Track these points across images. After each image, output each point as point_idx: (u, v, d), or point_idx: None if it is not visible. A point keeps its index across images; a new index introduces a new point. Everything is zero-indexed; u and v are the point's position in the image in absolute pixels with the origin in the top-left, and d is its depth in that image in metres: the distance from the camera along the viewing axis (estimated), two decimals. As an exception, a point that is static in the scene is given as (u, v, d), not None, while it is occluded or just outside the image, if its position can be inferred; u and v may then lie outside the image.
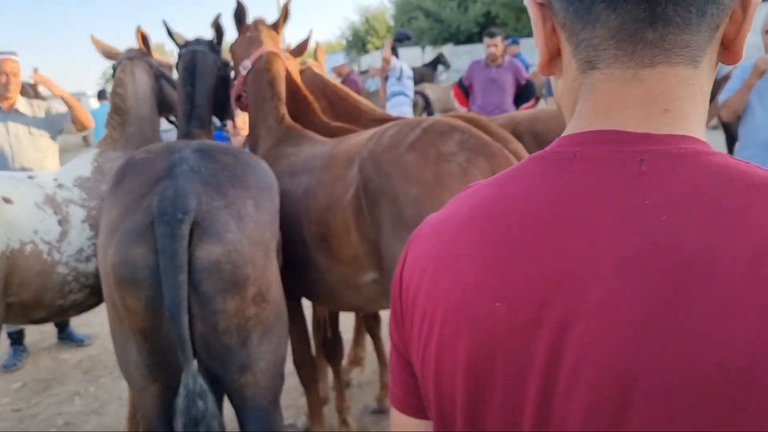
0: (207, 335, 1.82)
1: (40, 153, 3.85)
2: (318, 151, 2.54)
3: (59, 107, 4.08)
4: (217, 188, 1.88)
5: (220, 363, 1.86)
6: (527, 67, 9.06)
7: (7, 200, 2.33)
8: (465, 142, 2.05)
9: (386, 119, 3.65)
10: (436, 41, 30.21)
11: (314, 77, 3.74)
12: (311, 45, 3.88)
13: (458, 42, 29.04)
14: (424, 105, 11.38)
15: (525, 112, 3.38)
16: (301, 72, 3.76)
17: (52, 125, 3.96)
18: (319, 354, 3.39)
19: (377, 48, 35.82)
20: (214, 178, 1.91)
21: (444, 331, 0.61)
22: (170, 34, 3.09)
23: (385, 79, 8.93)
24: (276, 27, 3.14)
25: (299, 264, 2.43)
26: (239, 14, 3.06)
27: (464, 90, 6.81)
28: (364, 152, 2.19)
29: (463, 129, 2.10)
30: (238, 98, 3.12)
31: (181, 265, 1.72)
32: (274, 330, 1.93)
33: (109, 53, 3.21)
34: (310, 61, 3.97)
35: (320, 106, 3.71)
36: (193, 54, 3.03)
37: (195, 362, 1.81)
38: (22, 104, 3.94)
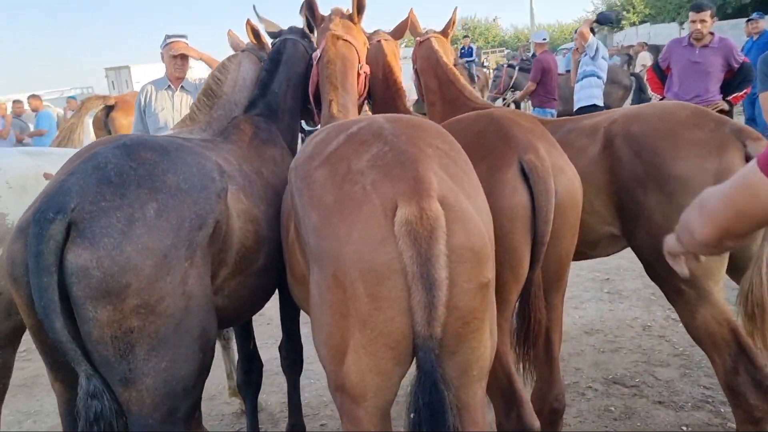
0: (84, 342, 1.73)
1: None
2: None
3: None
4: (116, 188, 1.74)
5: (104, 372, 1.75)
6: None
7: (48, 176, 2.42)
8: (380, 157, 1.64)
9: (486, 107, 3.28)
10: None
11: (429, 52, 3.53)
12: (458, 17, 3.73)
13: (725, 16, 25.11)
14: (638, 88, 10.01)
15: (626, 109, 2.72)
16: (420, 43, 3.57)
17: None
18: None
19: (632, 24, 33.11)
20: (119, 176, 1.77)
21: None
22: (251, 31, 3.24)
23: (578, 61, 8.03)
24: (355, 15, 3.01)
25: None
26: (310, 5, 3.00)
27: (660, 74, 5.92)
28: (294, 162, 1.87)
29: (389, 136, 1.68)
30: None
31: (46, 267, 1.63)
32: (167, 345, 1.74)
33: (236, 46, 3.40)
34: (433, 35, 3.64)
35: (430, 85, 3.51)
36: (281, 43, 3.17)
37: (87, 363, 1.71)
38: (187, 83, 4.32)
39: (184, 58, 4.32)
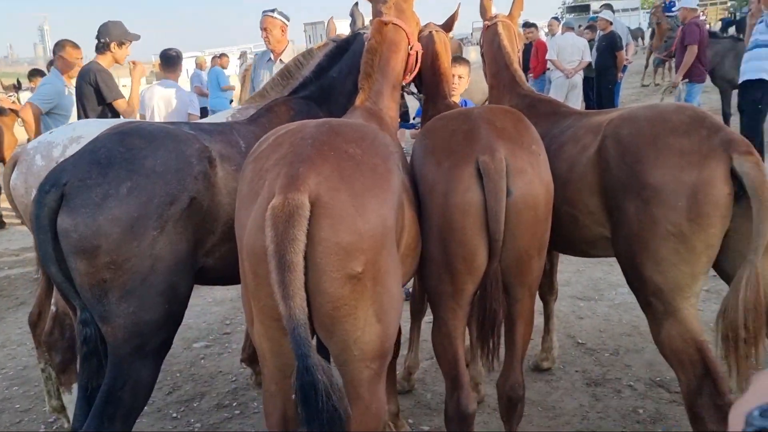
0: (76, 286, 2.24)
1: None
2: None
3: None
4: (101, 168, 2.19)
5: (90, 308, 2.24)
6: None
7: None
8: (283, 157, 1.92)
9: (529, 96, 3.36)
10: None
11: (493, 36, 3.65)
12: None
13: None
14: None
15: (626, 109, 2.66)
16: (487, 28, 3.71)
17: None
18: None
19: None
20: (107, 159, 2.22)
21: None
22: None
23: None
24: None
25: None
26: None
27: None
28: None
29: (300, 139, 1.98)
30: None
31: (42, 227, 2.16)
32: (135, 295, 2.20)
33: (331, 34, 3.84)
34: (500, 15, 3.74)
35: (491, 69, 3.65)
36: (355, 35, 3.52)
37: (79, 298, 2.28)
38: (287, 56, 4.84)
39: (268, 31, 4.79)
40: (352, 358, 1.92)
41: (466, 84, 4.46)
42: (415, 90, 3.59)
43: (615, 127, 2.47)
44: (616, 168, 2.41)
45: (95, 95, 5.14)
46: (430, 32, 3.44)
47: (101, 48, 5.24)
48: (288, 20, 5.15)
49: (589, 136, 2.64)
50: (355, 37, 3.51)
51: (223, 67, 12.17)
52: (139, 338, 2.25)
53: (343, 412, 1.75)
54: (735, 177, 2.23)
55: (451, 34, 3.85)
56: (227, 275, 2.62)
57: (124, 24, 5.39)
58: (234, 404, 3.73)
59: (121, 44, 5.26)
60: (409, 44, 3.10)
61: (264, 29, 4.98)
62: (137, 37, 5.48)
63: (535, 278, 2.50)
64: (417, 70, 3.30)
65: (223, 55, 12.75)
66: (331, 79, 3.43)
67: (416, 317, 3.65)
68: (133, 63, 5.62)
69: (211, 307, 5.31)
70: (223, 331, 4.83)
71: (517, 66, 3.49)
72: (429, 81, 3.42)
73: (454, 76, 4.13)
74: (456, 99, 4.02)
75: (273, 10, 4.98)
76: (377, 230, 1.88)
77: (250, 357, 3.73)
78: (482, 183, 2.27)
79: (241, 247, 1.93)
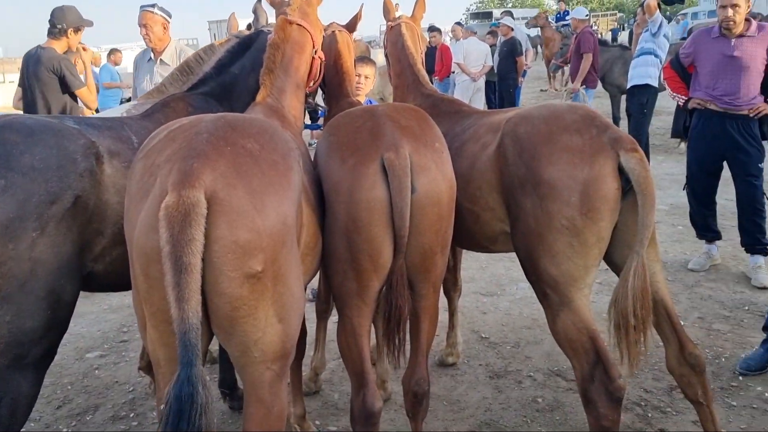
0: None
1: None
2: None
3: None
4: None
5: None
6: None
7: None
8: (175, 152, 1.83)
9: (432, 96, 3.39)
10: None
11: (396, 37, 3.67)
12: None
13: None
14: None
15: (523, 108, 2.69)
16: (391, 29, 3.73)
17: None
18: None
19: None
20: None
21: None
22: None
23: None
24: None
25: None
26: None
27: (680, 71, 5.04)
28: None
29: (194, 134, 1.91)
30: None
31: None
32: (12, 301, 2.02)
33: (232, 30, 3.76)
34: (404, 17, 3.77)
35: (395, 69, 3.66)
36: (258, 32, 3.43)
37: None
38: (168, 55, 4.65)
39: (148, 28, 4.61)
40: (252, 360, 1.86)
41: (372, 84, 4.47)
42: (322, 102, 3.56)
43: (513, 125, 2.55)
44: (513, 165, 2.48)
45: (59, 84, 4.92)
46: (333, 32, 3.42)
47: (57, 33, 5.01)
48: (170, 17, 4.92)
49: (489, 134, 2.71)
50: (258, 34, 3.43)
51: (117, 64, 11.51)
52: (18, 348, 2.08)
53: None
54: (622, 173, 2.36)
55: (358, 36, 3.89)
56: (121, 282, 2.47)
57: (77, 9, 5.17)
58: (131, 415, 3.54)
59: (77, 30, 5.06)
60: (313, 48, 3.08)
61: (143, 26, 4.70)
62: (91, 24, 5.29)
63: (440, 274, 2.53)
64: (321, 78, 3.30)
65: (114, 50, 11.99)
66: (232, 75, 3.33)
67: (322, 317, 3.61)
68: (84, 48, 5.38)
69: (106, 314, 5.01)
70: (119, 339, 4.57)
71: (420, 66, 3.54)
72: (332, 80, 3.40)
73: (359, 76, 4.14)
74: (361, 99, 4.03)
75: (153, 6, 4.72)
76: (276, 228, 1.83)
77: (149, 365, 3.53)
78: (387, 180, 2.27)
79: (131, 247, 1.81)
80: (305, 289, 2.86)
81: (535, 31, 18.37)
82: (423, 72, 3.52)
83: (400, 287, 2.38)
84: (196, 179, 1.71)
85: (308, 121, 4.67)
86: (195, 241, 1.65)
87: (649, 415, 3.25)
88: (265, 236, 1.79)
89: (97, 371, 4.09)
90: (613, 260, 2.55)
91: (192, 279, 1.63)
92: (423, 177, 2.32)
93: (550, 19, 17.25)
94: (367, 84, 4.28)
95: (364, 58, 4.43)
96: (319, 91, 3.55)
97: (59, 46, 5.07)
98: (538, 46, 19.23)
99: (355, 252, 2.32)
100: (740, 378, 3.52)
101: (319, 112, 3.94)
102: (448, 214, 2.44)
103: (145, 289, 1.77)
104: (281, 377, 1.94)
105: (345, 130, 2.49)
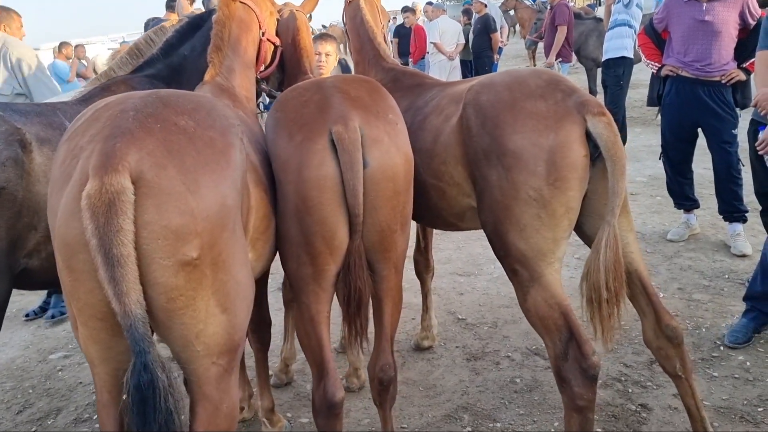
0: None
1: None
2: None
3: None
4: None
5: None
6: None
7: None
8: (98, 132, 1.68)
9: (394, 69, 3.28)
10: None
11: (355, 11, 3.52)
12: None
13: None
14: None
15: (485, 76, 2.55)
16: (350, 3, 3.60)
17: None
18: None
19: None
20: None
21: None
22: None
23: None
24: None
25: None
26: None
27: (656, 38, 4.93)
28: None
29: (118, 111, 1.73)
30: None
31: None
32: None
33: (183, 11, 3.54)
34: None
35: (355, 45, 3.55)
36: (209, 12, 3.28)
37: None
38: None
39: None
40: (195, 354, 1.71)
41: (335, 62, 4.30)
42: (275, 91, 3.41)
43: (475, 94, 2.41)
44: (477, 136, 2.34)
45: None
46: (291, 11, 3.27)
47: None
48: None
49: (452, 105, 2.57)
50: (210, 13, 3.27)
51: (69, 57, 11.11)
52: None
53: (180, 414, 1.55)
54: (590, 139, 2.23)
55: (335, 22, 3.79)
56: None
57: None
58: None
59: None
60: (260, 29, 2.97)
61: None
62: None
63: (401, 253, 2.39)
64: (274, 65, 3.20)
65: (64, 43, 11.52)
66: (181, 57, 3.19)
67: (289, 305, 3.47)
68: None
69: (72, 312, 4.84)
70: (85, 337, 4.40)
71: (381, 40, 3.39)
72: (290, 56, 3.25)
73: (320, 53, 3.99)
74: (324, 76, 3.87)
75: None
76: (213, 210, 1.67)
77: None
78: (337, 155, 2.13)
79: (53, 238, 1.66)
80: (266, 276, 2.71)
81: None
82: (384, 46, 3.36)
83: (359, 269, 2.24)
84: (120, 161, 1.55)
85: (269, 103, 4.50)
86: (124, 231, 1.50)
87: (630, 390, 3.15)
88: (201, 219, 1.63)
89: (60, 372, 3.93)
90: (584, 231, 2.43)
91: (127, 271, 1.50)
92: (375, 150, 2.18)
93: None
94: (329, 62, 4.11)
95: (324, 35, 4.27)
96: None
97: None
98: (516, 25, 19.05)
99: (308, 234, 2.18)
100: (721, 348, 3.44)
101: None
102: (405, 189, 2.30)
103: (70, 283, 1.61)
104: (229, 372, 1.80)
105: (292, 105, 2.33)
